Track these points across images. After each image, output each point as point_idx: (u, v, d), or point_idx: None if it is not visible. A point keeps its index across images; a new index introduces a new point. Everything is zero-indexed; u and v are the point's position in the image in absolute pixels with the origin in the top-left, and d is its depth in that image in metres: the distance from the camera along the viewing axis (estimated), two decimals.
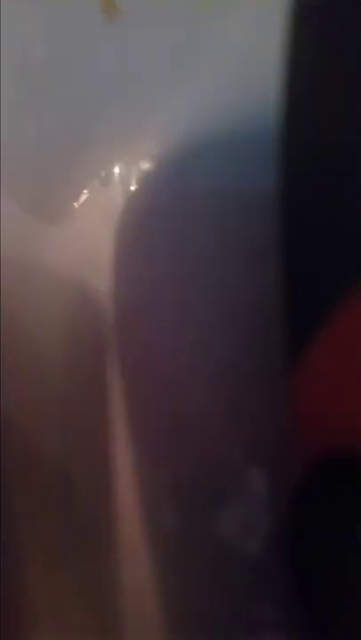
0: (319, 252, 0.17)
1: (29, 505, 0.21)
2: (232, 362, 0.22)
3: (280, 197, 0.18)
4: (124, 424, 0.22)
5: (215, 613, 0.21)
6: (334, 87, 0.17)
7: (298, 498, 0.18)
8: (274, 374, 0.19)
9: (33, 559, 0.21)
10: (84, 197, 0.23)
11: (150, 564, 0.22)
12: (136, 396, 0.22)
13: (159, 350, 0.22)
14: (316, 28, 0.17)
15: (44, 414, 0.22)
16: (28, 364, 0.22)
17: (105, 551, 0.21)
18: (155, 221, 0.23)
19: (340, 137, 0.17)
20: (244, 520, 0.22)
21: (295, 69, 0.18)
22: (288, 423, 0.19)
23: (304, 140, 0.18)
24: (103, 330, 0.22)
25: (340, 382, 0.17)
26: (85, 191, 0.23)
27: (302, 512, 0.18)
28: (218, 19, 0.23)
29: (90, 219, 0.23)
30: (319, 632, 0.18)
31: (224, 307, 0.22)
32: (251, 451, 0.22)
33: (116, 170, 0.23)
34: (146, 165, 0.23)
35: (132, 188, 0.23)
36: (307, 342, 0.18)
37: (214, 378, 0.22)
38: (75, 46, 0.23)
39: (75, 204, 0.23)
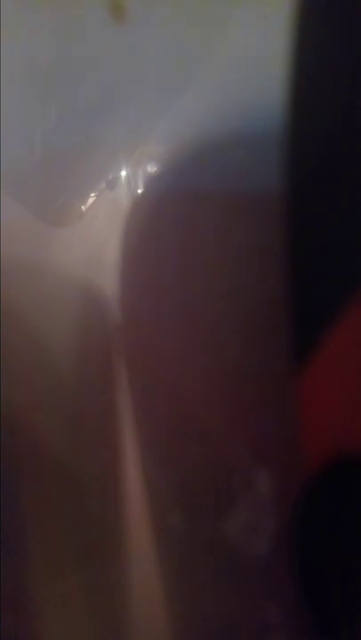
0: (327, 252, 0.17)
1: (36, 506, 0.21)
2: (239, 362, 0.22)
3: (287, 198, 0.18)
4: (132, 425, 0.22)
5: (222, 616, 0.21)
6: (340, 86, 0.17)
7: (305, 500, 0.18)
8: (281, 376, 0.19)
9: (39, 561, 0.21)
10: (91, 200, 0.23)
11: (157, 565, 0.22)
12: (143, 397, 0.22)
13: (166, 351, 0.22)
14: (321, 27, 0.18)
15: (51, 414, 0.22)
16: (35, 364, 0.22)
17: (112, 553, 0.21)
18: (161, 224, 0.23)
19: (346, 136, 0.17)
20: (252, 522, 0.22)
21: (300, 69, 0.18)
22: (296, 425, 0.19)
23: (310, 139, 0.18)
24: (110, 331, 0.22)
25: (347, 384, 0.17)
26: (92, 194, 0.23)
27: (310, 514, 0.18)
28: (222, 19, 0.23)
29: (97, 221, 0.23)
30: (327, 635, 0.18)
31: (231, 308, 0.22)
32: (258, 453, 0.22)
33: (123, 173, 0.23)
34: (152, 168, 0.23)
35: (139, 190, 0.23)
36: (314, 343, 0.18)
37: (221, 379, 0.22)
38: (81, 48, 0.23)
39: (82, 206, 0.23)
